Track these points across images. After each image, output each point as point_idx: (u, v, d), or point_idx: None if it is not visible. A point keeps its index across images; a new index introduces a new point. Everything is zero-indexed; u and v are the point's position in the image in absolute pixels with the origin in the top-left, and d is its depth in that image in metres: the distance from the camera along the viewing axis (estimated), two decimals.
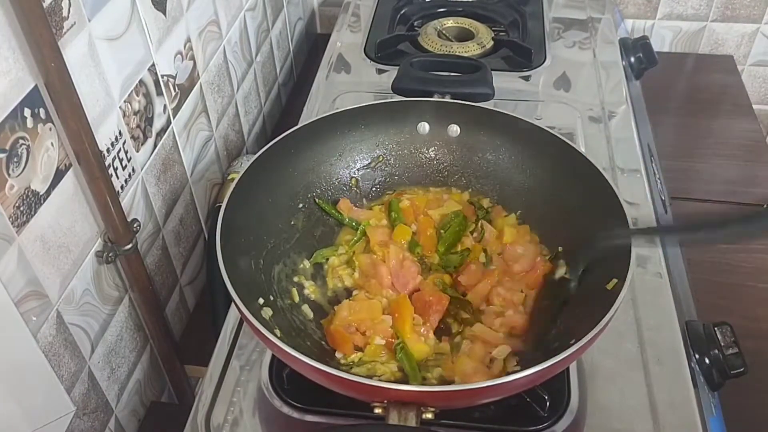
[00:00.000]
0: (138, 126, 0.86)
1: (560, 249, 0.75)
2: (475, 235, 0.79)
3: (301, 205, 0.80)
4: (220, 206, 0.68)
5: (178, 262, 1.02)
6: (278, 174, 0.77)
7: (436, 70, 0.98)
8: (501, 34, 1.24)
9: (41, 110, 0.67)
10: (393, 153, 0.85)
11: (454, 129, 0.84)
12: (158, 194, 0.93)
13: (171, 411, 0.98)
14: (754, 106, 1.45)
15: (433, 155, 0.85)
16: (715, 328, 0.78)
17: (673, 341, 0.74)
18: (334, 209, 0.80)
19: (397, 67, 0.96)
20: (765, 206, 1.20)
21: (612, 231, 0.66)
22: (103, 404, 0.85)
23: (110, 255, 0.80)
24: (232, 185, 0.71)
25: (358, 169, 0.84)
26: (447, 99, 0.87)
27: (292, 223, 0.78)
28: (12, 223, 0.64)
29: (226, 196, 0.69)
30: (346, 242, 0.80)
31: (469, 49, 1.17)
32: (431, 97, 0.87)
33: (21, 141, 0.64)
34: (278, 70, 1.42)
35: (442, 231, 0.79)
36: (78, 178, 0.74)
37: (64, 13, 0.68)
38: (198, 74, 1.02)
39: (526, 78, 1.12)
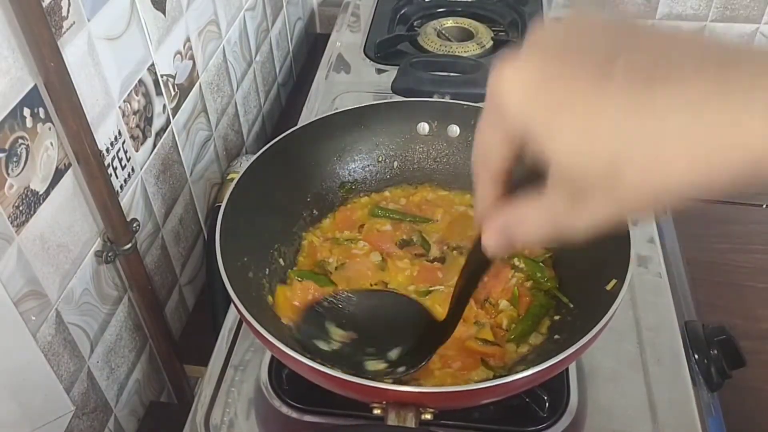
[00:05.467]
0: (137, 126, 0.86)
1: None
2: None
3: (300, 206, 0.80)
4: (220, 206, 0.68)
5: (177, 261, 1.02)
6: (278, 174, 0.77)
7: (435, 70, 0.98)
8: (500, 34, 1.24)
9: (40, 110, 0.67)
10: (393, 153, 0.85)
11: (454, 129, 0.83)
12: (157, 194, 0.93)
13: (170, 411, 0.98)
14: None
15: (433, 156, 0.85)
16: (715, 329, 0.78)
17: (672, 341, 0.74)
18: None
19: (397, 67, 0.96)
20: (765, 206, 1.20)
21: None
22: (103, 404, 0.85)
23: (109, 255, 0.80)
24: (232, 185, 0.70)
25: (357, 169, 0.84)
26: (447, 99, 0.87)
27: (286, 219, 0.78)
28: (11, 223, 0.64)
29: (226, 196, 0.69)
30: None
31: (469, 49, 1.17)
32: (431, 97, 0.87)
33: (20, 140, 0.64)
34: (278, 70, 1.42)
35: None
36: (77, 178, 0.74)
37: (64, 12, 0.68)
38: (197, 74, 1.02)
39: None
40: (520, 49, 0.33)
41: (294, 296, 0.71)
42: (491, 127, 0.35)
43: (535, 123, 0.32)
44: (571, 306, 0.69)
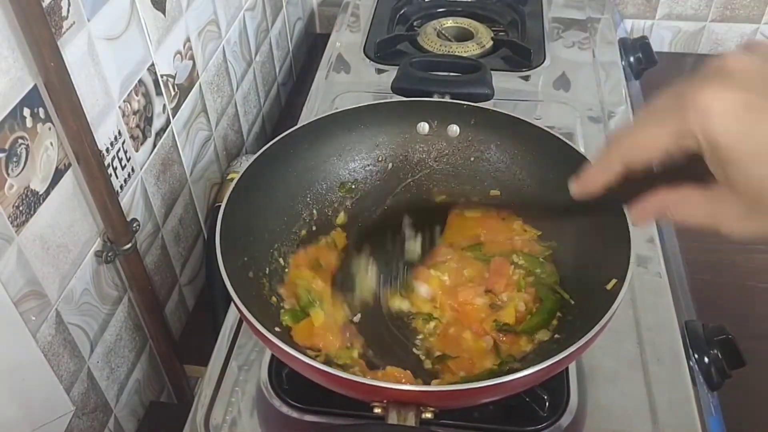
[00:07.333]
0: (137, 126, 0.86)
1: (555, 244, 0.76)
2: None
3: (300, 206, 0.80)
4: (220, 206, 0.68)
5: (177, 261, 1.02)
6: (278, 174, 0.77)
7: (435, 70, 0.98)
8: (500, 34, 1.24)
9: (40, 110, 0.67)
10: (392, 153, 0.85)
11: (454, 129, 0.83)
12: (157, 194, 0.93)
13: (170, 411, 0.98)
14: None
15: (433, 155, 0.85)
16: (715, 329, 0.78)
17: (672, 341, 0.74)
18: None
19: (397, 67, 0.96)
20: None
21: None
22: (103, 404, 0.85)
23: (109, 255, 0.80)
24: (232, 185, 0.70)
25: (357, 169, 0.84)
26: (447, 99, 0.87)
27: (286, 219, 0.78)
28: (11, 223, 0.64)
29: (226, 196, 0.69)
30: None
31: (469, 49, 1.17)
32: (431, 97, 0.87)
33: (20, 140, 0.64)
34: (278, 70, 1.42)
35: None
36: (77, 178, 0.74)
37: (64, 12, 0.68)
38: (197, 74, 1.02)
39: (526, 78, 1.12)
40: (720, 71, 0.39)
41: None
42: (661, 123, 0.40)
43: (734, 137, 0.37)
44: (573, 302, 0.69)
